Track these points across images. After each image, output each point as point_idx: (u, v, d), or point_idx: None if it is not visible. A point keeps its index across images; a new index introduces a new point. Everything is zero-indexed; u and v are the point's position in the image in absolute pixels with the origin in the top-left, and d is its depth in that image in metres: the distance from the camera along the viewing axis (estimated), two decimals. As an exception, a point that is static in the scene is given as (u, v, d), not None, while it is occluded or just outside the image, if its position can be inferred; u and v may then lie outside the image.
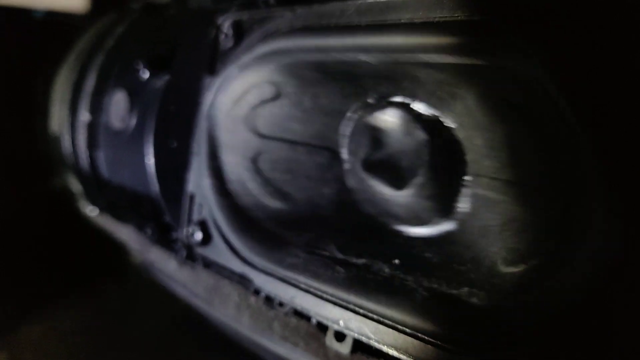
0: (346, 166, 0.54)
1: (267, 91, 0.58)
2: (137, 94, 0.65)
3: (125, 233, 0.78)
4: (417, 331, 0.42)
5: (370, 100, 0.52)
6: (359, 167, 0.53)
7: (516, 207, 0.41)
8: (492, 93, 0.43)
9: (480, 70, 0.43)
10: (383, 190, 0.51)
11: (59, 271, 0.81)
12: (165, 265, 0.70)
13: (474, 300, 0.41)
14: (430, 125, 0.48)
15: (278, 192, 0.58)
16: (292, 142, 0.58)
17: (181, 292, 0.70)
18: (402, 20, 0.46)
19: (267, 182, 0.59)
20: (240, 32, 0.60)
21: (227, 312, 0.62)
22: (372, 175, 0.52)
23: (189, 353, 0.68)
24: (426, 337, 0.42)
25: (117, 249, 0.80)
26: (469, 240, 0.45)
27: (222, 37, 0.62)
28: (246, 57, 0.57)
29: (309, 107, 0.56)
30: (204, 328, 0.69)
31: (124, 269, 0.80)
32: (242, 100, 0.59)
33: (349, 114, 0.53)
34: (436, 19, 0.43)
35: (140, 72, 0.63)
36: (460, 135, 0.46)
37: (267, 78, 0.57)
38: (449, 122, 0.47)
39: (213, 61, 0.62)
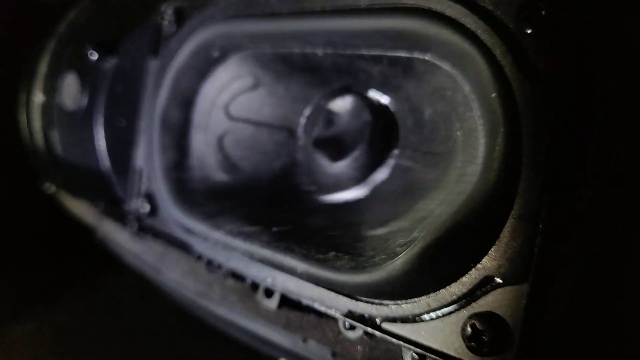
0: (300, 142, 0.60)
1: (248, 82, 0.63)
2: (87, 76, 0.69)
3: (81, 209, 0.82)
4: (331, 285, 0.48)
5: (332, 89, 0.58)
6: (309, 143, 0.59)
7: (422, 173, 0.48)
8: (426, 84, 0.49)
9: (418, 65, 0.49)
10: (322, 161, 0.57)
11: (50, 267, 0.82)
12: (117, 237, 0.75)
13: (340, 262, 0.47)
14: (375, 109, 0.55)
15: (232, 166, 0.64)
16: (257, 124, 0.63)
17: (133, 262, 0.75)
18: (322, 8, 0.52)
19: (226, 158, 0.64)
20: (181, 18, 0.65)
21: (174, 277, 0.68)
22: (318, 150, 0.58)
23: (183, 347, 0.69)
24: (332, 289, 0.48)
25: (85, 229, 0.83)
26: (371, 205, 0.52)
27: (165, 23, 0.66)
28: (190, 43, 0.62)
29: (281, 95, 0.62)
30: (198, 323, 0.71)
31: (116, 265, 0.81)
32: (224, 89, 0.64)
33: (311, 100, 0.61)
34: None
35: (90, 55, 0.68)
36: (398, 116, 0.53)
37: (250, 71, 0.63)
38: (391, 106, 0.54)
39: (157, 45, 0.66)
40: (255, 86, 0.62)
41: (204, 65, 0.61)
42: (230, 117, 0.64)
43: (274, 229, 0.54)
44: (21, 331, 0.66)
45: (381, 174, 0.55)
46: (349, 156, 0.56)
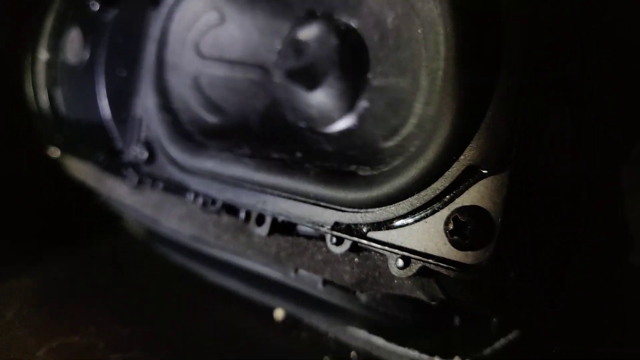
0: (275, 79, 0.61)
1: (213, 17, 0.64)
2: (89, 28, 0.71)
3: (84, 171, 0.83)
4: (318, 200, 0.48)
5: (298, 17, 0.59)
6: (283, 77, 0.60)
7: (398, 85, 0.48)
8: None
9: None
10: (301, 94, 0.57)
11: (48, 223, 0.83)
12: (117, 192, 0.75)
13: (361, 172, 0.47)
14: (342, 32, 0.55)
15: (215, 107, 0.64)
16: (230, 62, 0.64)
17: (132, 215, 0.76)
18: None
19: (207, 99, 0.65)
20: (181, -32, 0.66)
21: (171, 225, 0.68)
22: (292, 82, 0.58)
23: (181, 303, 0.69)
24: (324, 204, 0.48)
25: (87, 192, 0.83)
26: (362, 131, 0.52)
27: (165, -28, 0.67)
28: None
29: (248, 29, 0.63)
30: (195, 279, 0.72)
31: (112, 226, 0.83)
32: (192, 26, 0.66)
33: (280, 32, 0.60)
34: None
35: (91, 6, 0.69)
36: (365, 35, 0.53)
37: (213, 5, 0.64)
38: (356, 25, 0.54)
39: (157, -5, 0.68)
40: (221, 21, 0.63)
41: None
42: (202, 55, 0.64)
43: (278, 155, 0.54)
44: (17, 283, 0.68)
45: (364, 102, 0.54)
46: (323, 83, 0.55)
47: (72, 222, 0.82)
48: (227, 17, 0.63)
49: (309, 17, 0.58)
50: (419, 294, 0.46)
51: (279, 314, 0.64)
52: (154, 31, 0.67)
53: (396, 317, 0.54)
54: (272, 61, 0.62)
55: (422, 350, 0.55)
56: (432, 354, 0.55)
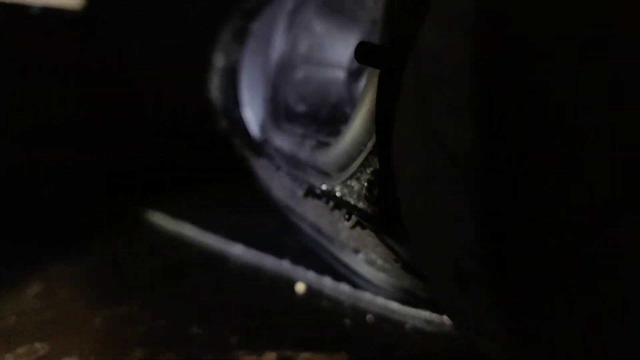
0: (346, 78, 0.76)
1: (315, 31, 0.82)
2: (239, 39, 0.94)
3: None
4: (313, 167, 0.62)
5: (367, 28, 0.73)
6: (347, 75, 0.74)
7: None
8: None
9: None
10: (354, 88, 0.71)
11: (84, 214, 0.94)
12: (257, 168, 0.97)
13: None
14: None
15: (302, 99, 0.81)
16: (324, 65, 0.80)
17: (262, 185, 0.96)
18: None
19: (299, 93, 0.82)
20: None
21: (275, 192, 0.86)
22: (351, 79, 0.72)
23: (214, 283, 0.77)
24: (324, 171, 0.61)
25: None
26: None
27: (288, -4, 0.86)
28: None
29: (334, 39, 0.79)
30: (217, 269, 0.81)
31: (138, 218, 0.95)
32: (301, 39, 0.84)
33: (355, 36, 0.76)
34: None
35: (239, 20, 0.92)
36: None
37: (315, 22, 0.81)
38: None
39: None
40: (319, 34, 0.78)
41: (291, 20, 0.80)
42: (305, 61, 0.80)
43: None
44: (61, 270, 0.78)
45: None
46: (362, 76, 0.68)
47: (102, 219, 0.96)
48: (323, 31, 0.80)
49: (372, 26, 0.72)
50: (381, 252, 0.56)
51: (300, 287, 0.73)
52: (276, 42, 0.86)
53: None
54: (347, 63, 0.76)
55: (433, 311, 0.63)
56: (441, 313, 0.63)
